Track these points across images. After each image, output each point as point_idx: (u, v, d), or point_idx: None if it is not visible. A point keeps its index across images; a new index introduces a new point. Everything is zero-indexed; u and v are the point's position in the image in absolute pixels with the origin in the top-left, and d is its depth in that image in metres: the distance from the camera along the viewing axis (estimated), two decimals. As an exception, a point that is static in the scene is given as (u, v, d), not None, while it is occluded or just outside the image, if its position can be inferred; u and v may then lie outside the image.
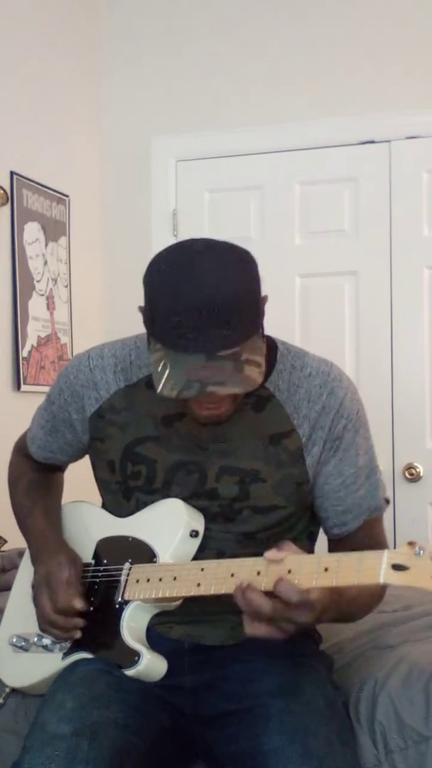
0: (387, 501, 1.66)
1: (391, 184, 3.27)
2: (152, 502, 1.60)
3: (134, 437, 1.61)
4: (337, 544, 1.62)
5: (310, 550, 1.67)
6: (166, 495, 1.59)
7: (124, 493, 1.63)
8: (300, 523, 1.63)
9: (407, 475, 3.21)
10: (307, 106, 3.33)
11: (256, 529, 1.57)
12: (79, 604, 1.57)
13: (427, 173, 3.23)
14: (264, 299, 1.48)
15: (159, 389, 1.39)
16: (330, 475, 1.58)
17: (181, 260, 1.42)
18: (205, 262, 1.41)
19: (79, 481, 1.85)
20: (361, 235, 3.31)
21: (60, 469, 1.85)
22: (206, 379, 1.37)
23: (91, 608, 1.59)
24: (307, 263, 3.37)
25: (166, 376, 1.39)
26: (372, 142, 3.29)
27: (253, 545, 1.54)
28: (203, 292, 1.37)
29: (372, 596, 1.55)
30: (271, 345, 1.61)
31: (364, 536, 1.59)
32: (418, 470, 3.20)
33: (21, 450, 1.84)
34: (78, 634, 1.58)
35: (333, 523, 1.62)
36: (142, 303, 1.47)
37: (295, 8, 3.36)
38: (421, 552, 1.26)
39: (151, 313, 1.43)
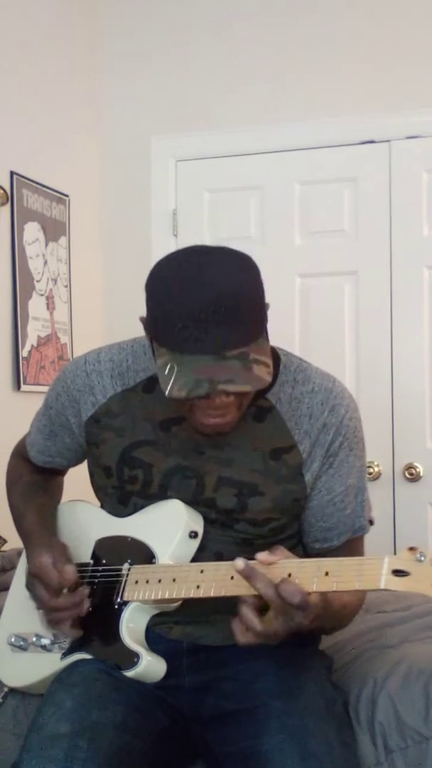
0: (371, 522, 1.65)
1: (391, 184, 3.26)
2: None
3: (131, 441, 1.60)
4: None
5: (304, 553, 1.68)
6: (163, 500, 1.58)
7: (121, 498, 1.63)
8: (293, 528, 1.63)
9: (407, 475, 3.20)
10: (307, 106, 3.33)
11: (253, 537, 1.57)
12: (71, 569, 1.54)
13: (427, 173, 3.22)
14: (266, 306, 1.47)
15: (167, 392, 1.37)
16: (319, 491, 1.58)
17: (185, 264, 1.41)
18: (209, 264, 1.40)
19: (80, 482, 1.85)
20: (361, 235, 3.31)
21: (60, 473, 1.85)
22: (216, 377, 1.35)
23: (90, 608, 1.57)
24: (307, 263, 3.36)
25: (173, 378, 1.37)
26: (372, 142, 3.29)
27: (251, 549, 1.52)
28: (208, 292, 1.36)
29: (355, 607, 1.56)
30: (274, 356, 1.60)
31: (345, 554, 1.57)
32: (418, 470, 3.20)
33: (20, 453, 1.83)
34: (87, 604, 1.55)
35: (315, 537, 1.62)
36: (142, 302, 1.46)
37: (295, 8, 3.36)
38: (423, 558, 1.26)
39: (155, 318, 1.42)
